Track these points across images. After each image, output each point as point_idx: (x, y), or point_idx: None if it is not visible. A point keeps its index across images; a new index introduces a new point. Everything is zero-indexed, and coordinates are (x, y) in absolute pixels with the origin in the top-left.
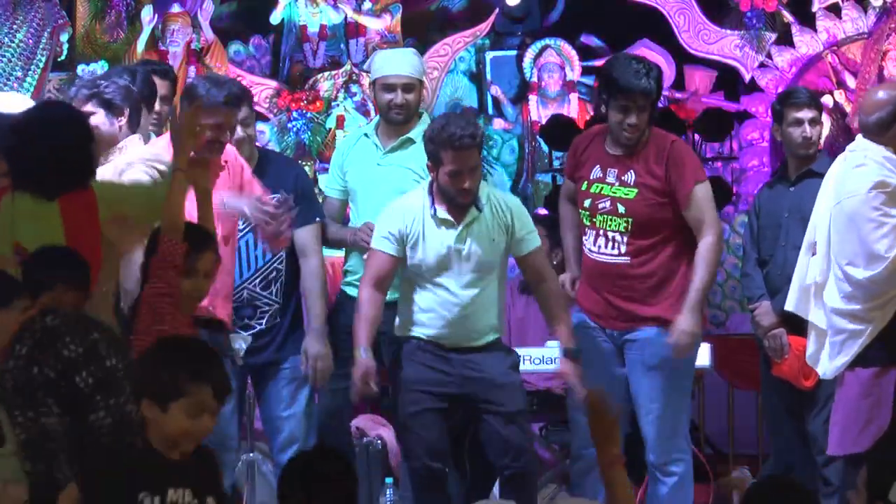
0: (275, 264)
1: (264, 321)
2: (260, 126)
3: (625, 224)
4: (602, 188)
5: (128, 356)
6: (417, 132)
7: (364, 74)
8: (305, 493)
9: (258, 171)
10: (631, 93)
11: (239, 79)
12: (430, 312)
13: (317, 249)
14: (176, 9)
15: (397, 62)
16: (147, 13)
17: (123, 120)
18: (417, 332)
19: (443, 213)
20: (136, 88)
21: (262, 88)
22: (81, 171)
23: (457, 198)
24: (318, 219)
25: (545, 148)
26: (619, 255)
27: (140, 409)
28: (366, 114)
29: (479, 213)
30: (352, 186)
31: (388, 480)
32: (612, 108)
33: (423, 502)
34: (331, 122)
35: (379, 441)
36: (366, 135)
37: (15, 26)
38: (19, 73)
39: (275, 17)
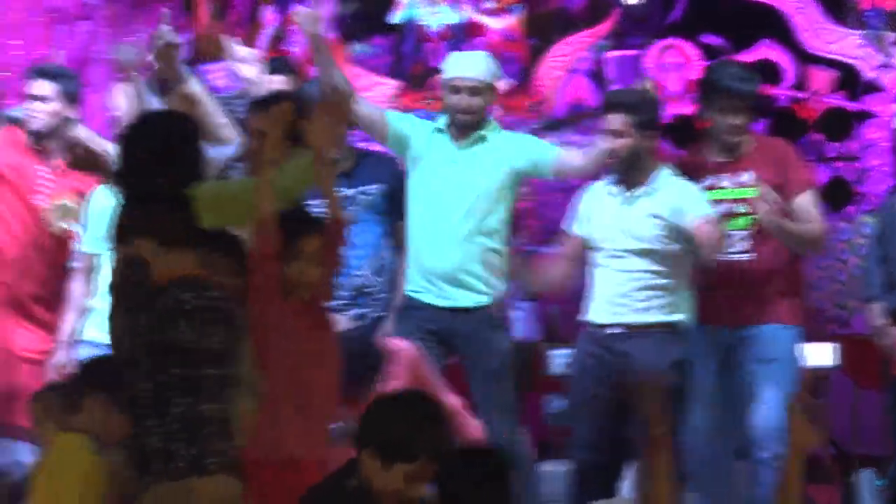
0: (381, 252)
1: (379, 308)
2: None
3: (748, 221)
4: (719, 193)
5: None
6: (488, 130)
7: None
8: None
9: (354, 167)
10: (732, 94)
11: (360, 79)
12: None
13: None
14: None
15: (465, 64)
16: (268, 14)
17: None
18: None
19: None
20: None
21: (384, 88)
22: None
23: None
24: None
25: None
26: (742, 252)
27: (360, 456)
28: None
29: None
30: (420, 177)
31: None
32: (713, 112)
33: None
34: None
35: None
36: (439, 130)
37: (137, 26)
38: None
39: (395, 17)
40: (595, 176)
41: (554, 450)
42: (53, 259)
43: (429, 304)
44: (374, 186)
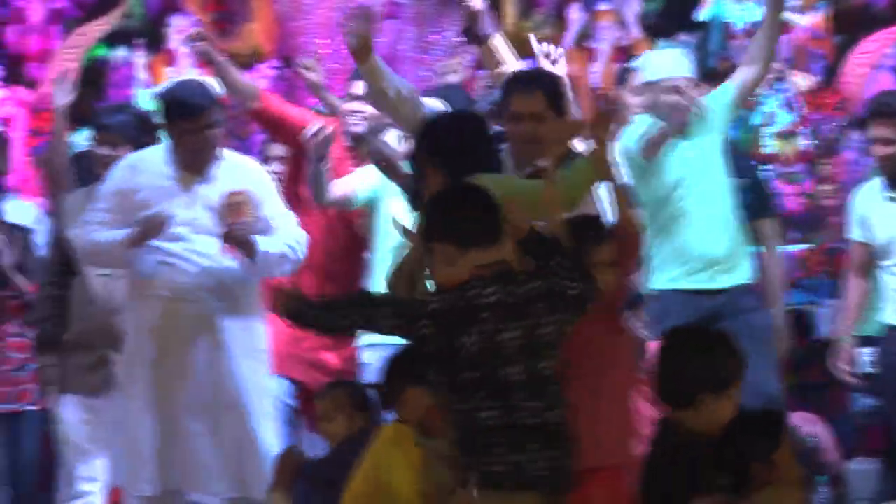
0: None
1: None
2: None
3: None
4: None
5: (539, 361)
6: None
7: (790, 72)
8: None
9: None
10: None
11: None
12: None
13: (775, 241)
14: (604, 7)
15: (670, 64)
16: (574, 11)
17: None
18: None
19: None
20: None
21: None
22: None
23: None
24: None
25: None
26: None
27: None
28: (792, 110)
29: None
30: (660, 174)
31: (821, 479)
32: None
33: None
34: (756, 119)
35: (813, 438)
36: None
37: (443, 24)
38: None
39: (702, 14)
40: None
41: (862, 449)
42: (358, 260)
43: (691, 290)
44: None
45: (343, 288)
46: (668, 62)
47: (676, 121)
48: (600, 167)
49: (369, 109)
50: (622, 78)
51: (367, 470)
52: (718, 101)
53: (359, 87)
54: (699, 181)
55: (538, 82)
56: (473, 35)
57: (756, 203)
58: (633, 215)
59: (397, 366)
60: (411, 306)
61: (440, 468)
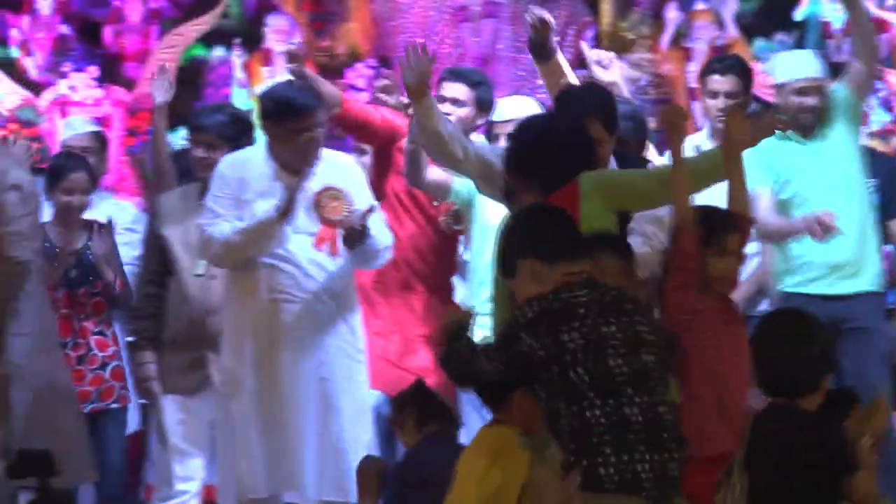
0: None
1: None
2: None
3: None
4: None
5: (666, 352)
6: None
7: (889, 71)
8: None
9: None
10: None
11: (763, 76)
12: None
13: None
14: (701, 6)
15: (803, 65)
16: (671, 10)
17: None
18: None
19: None
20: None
21: None
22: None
23: None
24: None
25: None
26: None
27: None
28: (889, 109)
29: None
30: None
31: None
32: None
33: None
34: None
35: None
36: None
37: None
38: None
39: (799, 14)
40: None
41: None
42: (447, 259)
43: (816, 295)
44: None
45: (430, 287)
46: (798, 63)
47: (804, 121)
48: (730, 164)
49: (458, 112)
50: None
51: (468, 473)
52: (838, 100)
53: (447, 90)
54: (823, 182)
55: (594, 110)
56: (538, 50)
57: (887, 202)
58: (748, 205)
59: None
60: (505, 335)
61: (543, 468)
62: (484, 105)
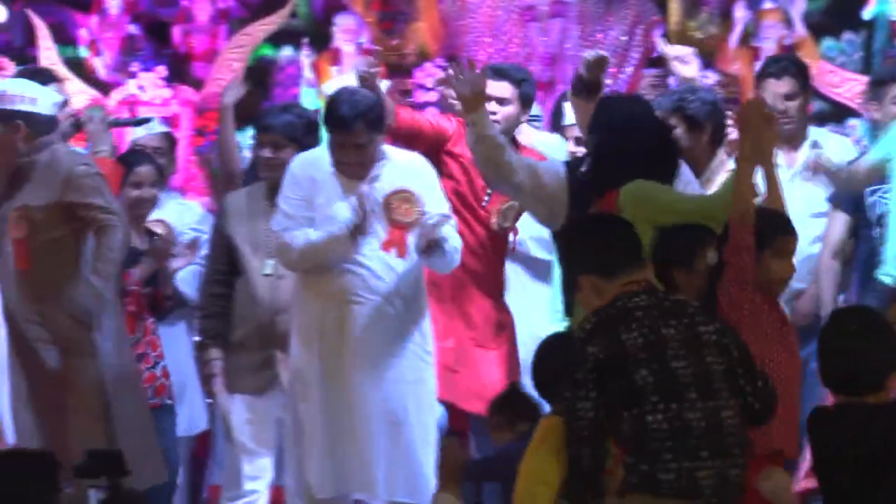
0: None
1: None
2: (851, 121)
3: None
4: None
5: (705, 356)
6: None
7: None
8: None
9: None
10: None
11: (831, 75)
12: None
13: None
14: (769, 5)
15: None
16: (739, 10)
17: (705, 137)
18: None
19: None
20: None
21: (853, 84)
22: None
23: None
24: None
25: None
26: None
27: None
28: None
29: None
30: None
31: None
32: None
33: None
34: None
35: None
36: None
37: (608, 23)
38: (612, 69)
39: (867, 13)
40: None
41: None
42: (498, 258)
43: None
44: None
45: (483, 288)
46: None
47: None
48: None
49: (503, 110)
50: None
51: (526, 464)
52: None
53: (491, 88)
54: None
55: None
56: (587, 88)
57: None
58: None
59: (552, 359)
60: (573, 357)
61: None
62: (527, 102)
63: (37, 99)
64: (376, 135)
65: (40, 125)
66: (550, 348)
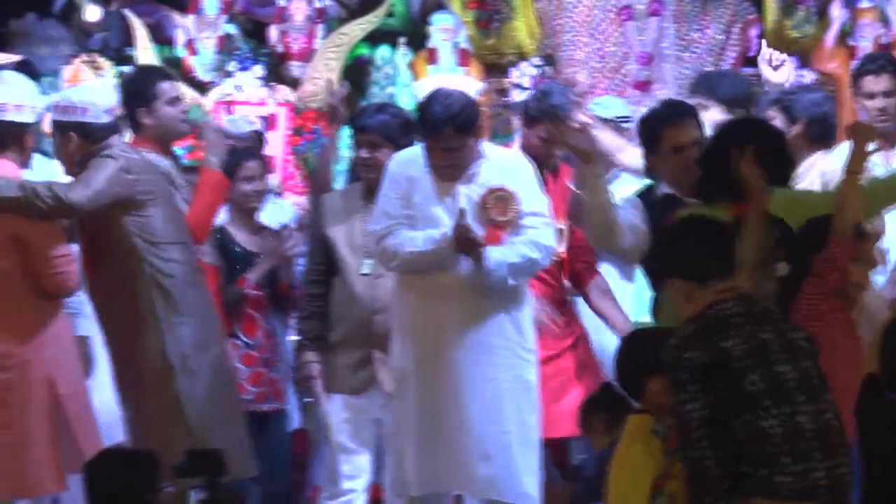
0: None
1: None
2: None
3: None
4: None
5: (802, 361)
6: None
7: None
8: None
9: None
10: None
11: None
12: None
13: None
14: (865, 3)
15: None
16: (836, 8)
17: (798, 129)
18: None
19: None
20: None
21: None
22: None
23: None
24: None
25: None
26: None
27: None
28: None
29: None
30: None
31: None
32: None
33: None
34: None
35: None
36: None
37: (705, 21)
38: (708, 69)
39: None
40: None
41: None
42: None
43: None
44: None
45: (552, 295)
46: None
47: None
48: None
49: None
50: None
51: (617, 459)
52: None
53: None
54: None
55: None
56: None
57: None
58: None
59: (636, 355)
60: (673, 367)
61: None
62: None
63: (88, 109)
64: (467, 138)
65: (95, 133)
66: (636, 343)
